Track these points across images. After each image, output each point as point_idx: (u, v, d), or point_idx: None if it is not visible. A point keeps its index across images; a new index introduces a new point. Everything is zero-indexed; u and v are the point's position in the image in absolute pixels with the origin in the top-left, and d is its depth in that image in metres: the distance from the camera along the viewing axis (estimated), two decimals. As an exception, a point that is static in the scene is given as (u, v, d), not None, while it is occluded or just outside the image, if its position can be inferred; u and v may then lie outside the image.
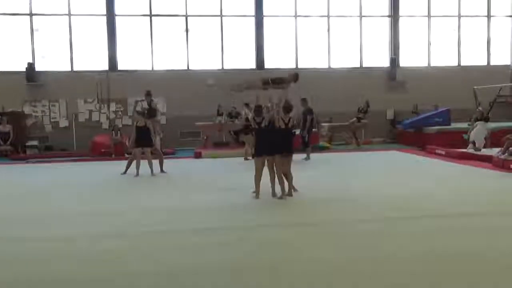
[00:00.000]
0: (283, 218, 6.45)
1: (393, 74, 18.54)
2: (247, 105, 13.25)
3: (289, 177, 7.69)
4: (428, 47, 19.16)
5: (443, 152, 12.97)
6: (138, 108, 11.05)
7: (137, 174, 10.35)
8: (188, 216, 6.56)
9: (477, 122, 13.39)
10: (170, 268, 4.44)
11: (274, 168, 7.61)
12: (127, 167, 10.67)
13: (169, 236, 5.54)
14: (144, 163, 10.40)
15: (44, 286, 4.10)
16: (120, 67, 17.30)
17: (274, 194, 7.60)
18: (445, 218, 6.15)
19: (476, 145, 12.81)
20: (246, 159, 12.50)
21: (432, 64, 19.17)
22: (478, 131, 13.04)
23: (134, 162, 10.58)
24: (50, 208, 7.29)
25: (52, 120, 16.83)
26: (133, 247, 5.15)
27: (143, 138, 10.50)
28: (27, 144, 15.83)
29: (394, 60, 18.66)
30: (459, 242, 5.10)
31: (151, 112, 11.18)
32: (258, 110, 7.81)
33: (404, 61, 18.97)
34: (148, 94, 11.61)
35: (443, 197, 7.50)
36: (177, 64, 17.69)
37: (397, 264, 4.44)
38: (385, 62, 18.91)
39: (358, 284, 3.94)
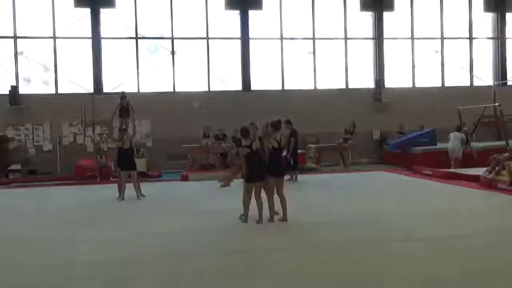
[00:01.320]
0: (270, 242, 6.33)
1: (379, 95, 18.68)
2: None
3: (283, 200, 7.46)
4: (412, 68, 19.40)
5: (430, 172, 13.00)
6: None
7: (122, 198, 10.18)
8: (174, 241, 6.41)
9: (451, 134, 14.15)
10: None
11: (264, 192, 7.41)
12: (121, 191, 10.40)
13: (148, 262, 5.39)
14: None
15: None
16: (106, 89, 17.17)
17: (260, 221, 7.39)
18: (429, 241, 6.07)
19: (452, 159, 13.34)
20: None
21: (416, 85, 19.38)
22: (454, 142, 13.66)
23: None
24: (31, 234, 7.07)
25: (35, 143, 16.54)
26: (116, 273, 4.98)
27: (128, 161, 10.35)
28: (9, 168, 15.51)
29: (379, 82, 18.83)
30: (436, 266, 5.00)
31: (126, 112, 11.41)
32: (245, 132, 7.44)
33: (389, 82, 19.15)
34: (123, 97, 11.67)
35: (429, 218, 7.43)
36: (163, 86, 17.62)
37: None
38: (370, 83, 19.07)
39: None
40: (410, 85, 19.35)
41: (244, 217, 7.41)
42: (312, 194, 10.56)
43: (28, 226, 7.81)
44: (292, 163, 12.56)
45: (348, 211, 8.23)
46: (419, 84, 19.41)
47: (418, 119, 17.59)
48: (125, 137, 10.52)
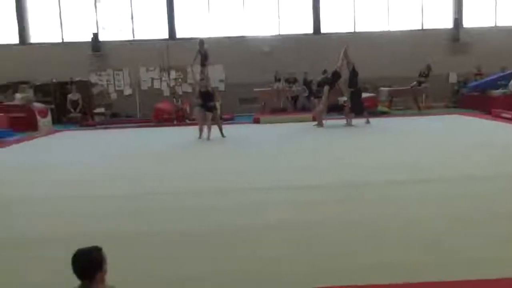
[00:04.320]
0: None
1: (457, 36, 17.79)
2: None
3: None
4: (495, 6, 18.16)
5: (510, 116, 12.49)
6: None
7: (208, 138, 10.75)
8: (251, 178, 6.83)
9: None
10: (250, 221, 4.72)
11: None
12: (201, 131, 11.00)
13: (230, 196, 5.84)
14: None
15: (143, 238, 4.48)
16: (179, 35, 17.65)
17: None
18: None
19: None
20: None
21: (498, 24, 18.20)
22: None
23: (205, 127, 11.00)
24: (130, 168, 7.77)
25: (116, 88, 17.54)
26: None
27: (204, 103, 10.93)
28: (94, 111, 16.65)
29: (458, 21, 17.87)
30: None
31: (205, 59, 11.82)
32: None
33: (469, 22, 18.12)
34: (202, 43, 12.04)
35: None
36: (234, 31, 17.80)
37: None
38: (448, 23, 18.15)
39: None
40: (492, 24, 18.20)
41: None
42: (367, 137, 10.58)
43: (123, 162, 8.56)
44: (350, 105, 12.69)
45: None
46: (501, 23, 18.20)
47: (499, 60, 16.65)
48: (203, 83, 11.21)
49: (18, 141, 11.71)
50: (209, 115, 10.94)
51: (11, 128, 13.07)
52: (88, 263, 2.36)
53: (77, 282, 2.34)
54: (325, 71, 13.46)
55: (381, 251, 3.81)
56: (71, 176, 7.20)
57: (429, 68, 15.87)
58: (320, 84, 13.16)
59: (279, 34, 17.86)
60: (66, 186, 6.54)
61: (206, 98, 10.97)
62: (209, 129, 10.84)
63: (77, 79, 16.70)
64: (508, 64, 16.39)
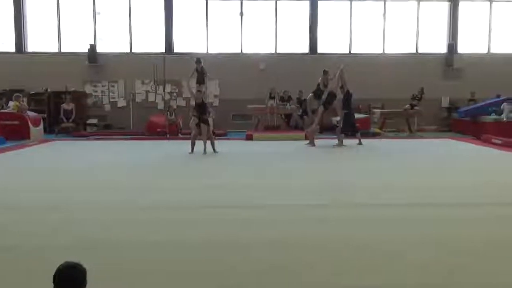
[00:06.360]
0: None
1: (450, 61, 18.01)
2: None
3: None
4: (489, 33, 18.44)
5: (500, 142, 12.60)
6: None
7: (204, 152, 10.81)
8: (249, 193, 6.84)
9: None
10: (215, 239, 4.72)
11: None
12: (193, 146, 10.98)
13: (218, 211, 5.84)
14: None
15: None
16: (176, 49, 17.76)
17: None
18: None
19: None
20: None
21: (492, 51, 18.45)
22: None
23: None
24: (104, 181, 7.77)
25: (111, 99, 17.56)
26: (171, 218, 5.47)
27: (199, 115, 11.01)
28: (87, 122, 16.65)
29: (452, 46, 18.11)
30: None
31: (201, 77, 11.92)
32: None
33: (463, 48, 18.36)
34: (198, 61, 12.12)
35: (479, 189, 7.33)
36: (231, 47, 17.94)
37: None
38: (442, 48, 18.39)
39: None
40: (486, 51, 18.44)
41: None
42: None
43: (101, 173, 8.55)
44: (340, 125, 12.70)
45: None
46: (495, 49, 18.44)
47: (492, 86, 16.86)
48: (199, 95, 11.40)
49: (9, 149, 11.69)
50: (205, 127, 10.97)
51: (3, 136, 13.05)
52: (82, 277, 2.24)
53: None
54: (325, 72, 13.22)
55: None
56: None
57: (422, 91, 16.05)
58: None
59: (275, 52, 18.01)
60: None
61: (201, 110, 11.05)
62: (205, 142, 10.86)
63: (72, 89, 16.76)
64: (501, 90, 16.59)
